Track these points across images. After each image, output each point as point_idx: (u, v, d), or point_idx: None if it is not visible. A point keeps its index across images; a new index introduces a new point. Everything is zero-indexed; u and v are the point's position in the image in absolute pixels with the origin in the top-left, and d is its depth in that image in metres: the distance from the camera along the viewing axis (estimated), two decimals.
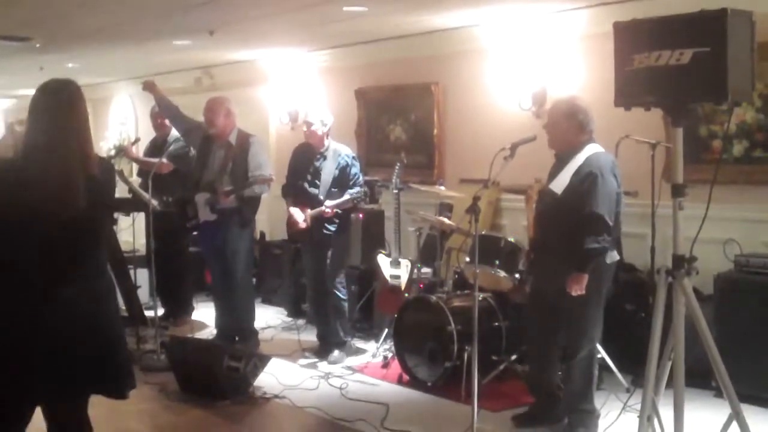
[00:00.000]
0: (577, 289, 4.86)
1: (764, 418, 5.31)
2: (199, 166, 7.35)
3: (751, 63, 3.62)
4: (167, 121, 8.37)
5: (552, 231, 5.07)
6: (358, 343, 7.42)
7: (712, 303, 5.81)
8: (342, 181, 6.88)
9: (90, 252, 3.65)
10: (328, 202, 6.78)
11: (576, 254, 4.87)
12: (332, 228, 6.91)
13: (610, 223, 4.89)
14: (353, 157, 7.02)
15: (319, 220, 6.86)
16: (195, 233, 7.43)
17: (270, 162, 7.43)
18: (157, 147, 8.34)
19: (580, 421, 5.16)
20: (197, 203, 7.15)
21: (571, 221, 4.91)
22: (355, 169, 6.95)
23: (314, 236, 6.92)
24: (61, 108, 3.58)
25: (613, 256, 5.08)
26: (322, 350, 7.12)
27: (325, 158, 6.92)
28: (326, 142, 6.95)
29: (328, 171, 6.87)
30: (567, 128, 5.07)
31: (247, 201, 7.10)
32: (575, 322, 5.07)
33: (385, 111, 9.09)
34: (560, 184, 5.03)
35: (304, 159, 7.05)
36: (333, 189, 6.85)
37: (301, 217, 6.90)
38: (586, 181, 4.90)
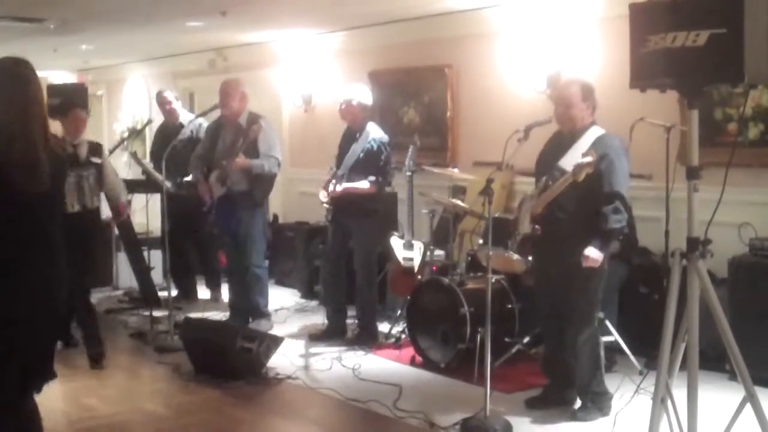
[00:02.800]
0: (593, 263, 4.88)
1: None
2: (209, 147, 7.39)
3: None
4: (175, 106, 8.46)
5: (563, 208, 5.06)
6: None
7: (727, 286, 5.80)
8: (367, 165, 6.82)
9: (44, 234, 3.52)
10: (343, 184, 6.76)
11: (598, 233, 4.92)
12: (354, 213, 6.86)
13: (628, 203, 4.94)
14: (385, 144, 6.91)
15: (341, 202, 6.84)
16: (212, 214, 7.44)
17: (279, 144, 7.43)
18: (168, 133, 8.33)
19: (593, 402, 5.17)
20: (211, 184, 7.20)
21: (586, 199, 4.92)
22: (384, 156, 6.86)
23: (337, 217, 6.93)
24: (20, 85, 3.54)
25: None
26: (331, 332, 7.13)
27: (356, 140, 6.90)
28: (364, 123, 6.94)
29: (354, 152, 6.85)
30: (582, 108, 5.08)
31: (256, 180, 7.11)
32: (581, 302, 5.08)
33: (399, 93, 9.06)
34: (570, 162, 5.02)
35: (345, 140, 7.06)
36: (355, 171, 6.81)
37: (323, 195, 6.93)
38: (604, 160, 4.90)
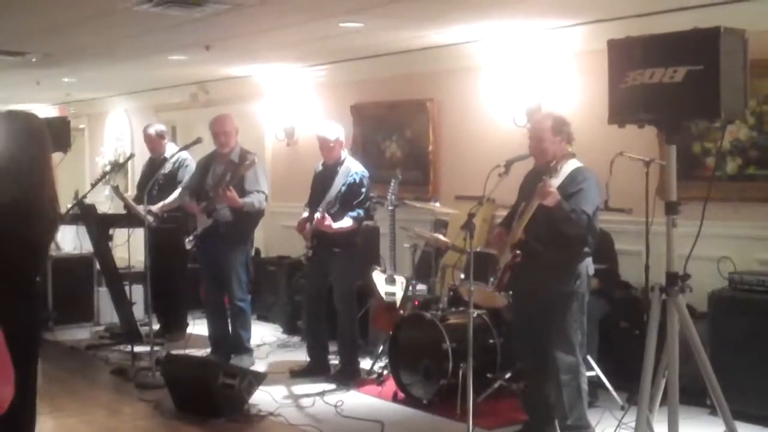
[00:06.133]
0: (547, 192, 4.80)
1: None
2: (199, 180, 7.41)
3: (744, 81, 3.65)
4: (162, 140, 8.48)
5: (540, 239, 5.06)
6: None
7: (706, 320, 5.81)
8: (349, 199, 6.80)
9: None
10: (331, 224, 6.74)
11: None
12: (332, 249, 6.81)
13: (592, 219, 4.93)
14: (366, 177, 6.91)
15: (321, 238, 6.82)
16: (195, 249, 7.42)
17: (267, 180, 7.45)
18: (155, 166, 8.35)
19: None
20: (197, 214, 7.22)
21: (557, 231, 4.93)
22: (365, 189, 6.86)
23: (317, 253, 6.91)
24: None
25: (590, 267, 5.12)
26: (313, 369, 7.08)
27: (336, 173, 6.88)
28: (342, 156, 6.95)
29: (336, 186, 6.83)
30: (554, 142, 5.09)
31: (242, 214, 7.11)
32: (559, 333, 5.06)
33: (381, 127, 9.10)
34: None
35: (321, 178, 7.04)
36: (337, 205, 6.79)
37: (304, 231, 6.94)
38: (572, 184, 4.91)
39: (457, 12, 6.56)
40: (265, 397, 6.31)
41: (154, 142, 8.56)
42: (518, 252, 5.11)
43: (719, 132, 5.90)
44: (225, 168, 7.18)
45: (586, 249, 5.08)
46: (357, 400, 6.41)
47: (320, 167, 7.10)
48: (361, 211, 6.82)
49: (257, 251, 10.04)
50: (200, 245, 7.33)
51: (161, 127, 8.74)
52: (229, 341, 7.42)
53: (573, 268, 5.05)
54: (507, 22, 6.98)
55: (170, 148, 8.56)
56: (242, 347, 7.39)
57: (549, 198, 4.80)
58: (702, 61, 3.54)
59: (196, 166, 7.74)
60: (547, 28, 7.14)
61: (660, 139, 5.83)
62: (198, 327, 8.42)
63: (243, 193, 7.08)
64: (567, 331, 5.06)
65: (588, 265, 5.11)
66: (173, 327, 8.53)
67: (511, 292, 5.47)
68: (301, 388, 6.74)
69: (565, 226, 4.88)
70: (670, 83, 3.61)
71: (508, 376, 6.13)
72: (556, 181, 4.97)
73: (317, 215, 6.72)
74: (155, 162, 8.50)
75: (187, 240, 7.35)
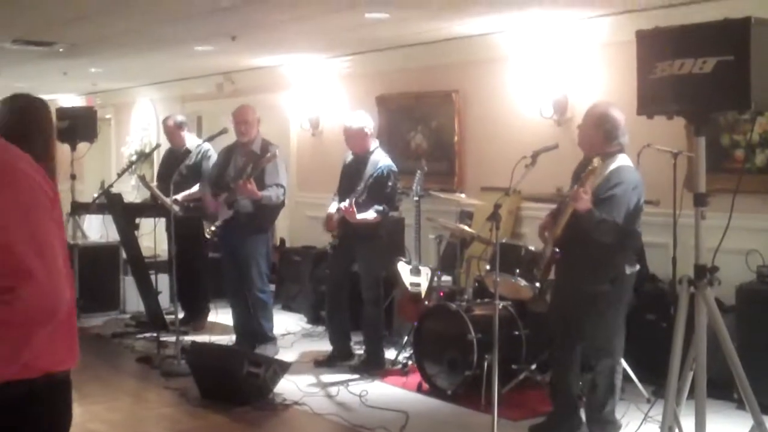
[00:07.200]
0: (579, 197, 4.75)
1: None
2: (220, 170, 7.43)
3: None
4: (181, 131, 8.49)
5: (574, 237, 5.03)
6: None
7: (734, 314, 5.77)
8: (375, 191, 6.79)
9: None
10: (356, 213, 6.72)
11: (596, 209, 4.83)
12: (357, 237, 6.82)
13: (627, 225, 4.87)
14: (394, 172, 6.88)
15: (347, 227, 6.83)
16: (216, 239, 7.44)
17: (285, 171, 7.45)
18: (177, 158, 8.36)
19: (602, 430, 5.13)
20: (219, 204, 7.24)
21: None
22: (391, 183, 6.84)
23: (342, 241, 6.92)
24: None
25: (633, 267, 5.06)
26: (336, 357, 7.11)
27: (365, 165, 6.88)
28: (371, 147, 6.94)
29: (365, 177, 6.80)
30: (593, 135, 5.03)
31: (262, 206, 7.13)
32: (595, 333, 5.04)
33: (406, 118, 9.08)
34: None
35: (349, 168, 7.04)
36: (364, 195, 6.76)
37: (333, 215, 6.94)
38: (604, 188, 4.87)
39: (483, 2, 6.53)
40: (289, 386, 6.34)
41: (173, 134, 8.58)
42: (557, 249, 5.08)
43: (748, 124, 5.86)
44: (246, 159, 7.18)
45: (624, 250, 5.02)
46: (381, 390, 6.42)
47: (350, 157, 7.10)
48: (386, 207, 6.80)
49: (282, 241, 10.07)
50: (221, 236, 7.35)
51: (181, 118, 8.75)
52: (252, 331, 7.45)
53: (609, 268, 4.99)
54: (533, 13, 6.95)
55: (189, 139, 8.57)
56: (265, 336, 7.41)
57: (580, 203, 4.77)
58: (732, 51, 3.50)
59: (218, 155, 7.76)
60: (574, 18, 7.11)
61: (688, 130, 5.79)
62: (221, 316, 8.47)
63: (263, 185, 7.09)
64: (600, 330, 5.04)
65: (628, 265, 5.06)
66: (195, 316, 8.57)
67: (537, 284, 5.46)
68: (326, 377, 6.75)
69: (593, 233, 4.84)
70: (700, 74, 3.57)
71: (533, 367, 6.12)
72: (599, 174, 4.90)
73: (343, 205, 6.72)
74: (175, 153, 8.52)
75: (207, 230, 7.38)
